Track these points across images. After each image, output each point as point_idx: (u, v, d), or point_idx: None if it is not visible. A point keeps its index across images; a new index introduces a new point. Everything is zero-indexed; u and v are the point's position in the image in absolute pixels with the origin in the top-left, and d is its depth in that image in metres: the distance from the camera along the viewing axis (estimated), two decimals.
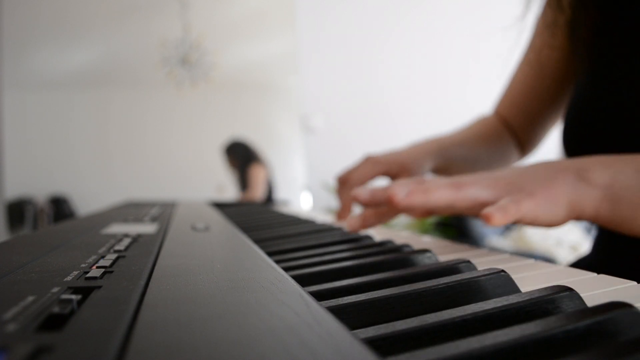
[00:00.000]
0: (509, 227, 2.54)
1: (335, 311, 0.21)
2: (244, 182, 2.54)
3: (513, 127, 0.70)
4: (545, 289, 0.22)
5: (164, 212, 0.63)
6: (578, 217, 0.37)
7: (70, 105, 3.04)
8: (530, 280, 0.27)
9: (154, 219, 0.52)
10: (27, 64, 2.97)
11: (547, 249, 2.34)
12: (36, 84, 3.00)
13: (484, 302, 0.20)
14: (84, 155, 3.06)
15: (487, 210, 0.33)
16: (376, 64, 3.22)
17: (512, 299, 0.20)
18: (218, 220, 0.53)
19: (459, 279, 0.24)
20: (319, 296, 0.24)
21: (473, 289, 0.24)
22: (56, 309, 0.17)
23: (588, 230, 2.47)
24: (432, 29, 3.18)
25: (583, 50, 0.51)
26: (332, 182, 2.87)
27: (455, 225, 2.47)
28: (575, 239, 2.38)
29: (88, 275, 0.22)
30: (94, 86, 3.08)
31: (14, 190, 2.81)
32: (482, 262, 0.32)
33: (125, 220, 0.51)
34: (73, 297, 0.18)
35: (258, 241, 0.43)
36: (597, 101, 0.47)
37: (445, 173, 0.67)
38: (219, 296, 0.19)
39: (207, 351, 0.13)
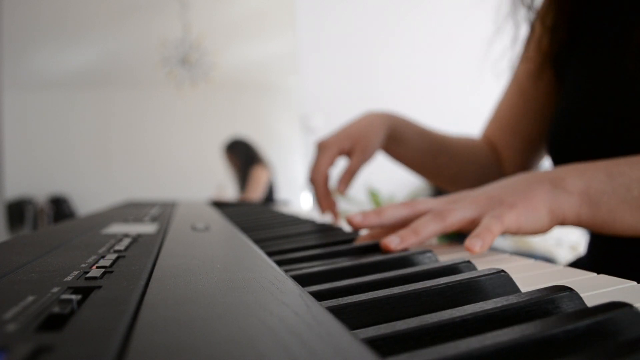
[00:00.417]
0: None
1: (335, 311, 0.21)
2: (244, 182, 2.53)
3: (499, 148, 0.71)
4: (545, 289, 0.22)
5: (164, 212, 0.63)
6: (562, 223, 0.39)
7: (70, 105, 3.04)
8: (530, 280, 0.27)
9: (154, 219, 0.52)
10: (27, 64, 2.97)
11: (547, 249, 2.34)
12: (36, 84, 3.00)
13: (484, 302, 0.20)
14: (84, 155, 3.05)
15: (470, 242, 0.35)
16: (376, 64, 3.22)
17: (512, 299, 0.20)
18: (218, 220, 0.53)
19: (459, 279, 0.24)
20: (319, 296, 0.24)
21: (473, 289, 0.24)
22: (56, 309, 0.17)
23: (587, 230, 2.46)
24: (432, 29, 3.18)
25: (557, 70, 0.56)
26: (332, 182, 2.87)
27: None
28: (575, 239, 2.38)
29: (88, 275, 0.22)
30: (94, 86, 3.07)
31: (14, 190, 2.81)
32: (482, 262, 0.32)
33: (125, 220, 0.51)
34: (73, 297, 0.18)
35: (258, 241, 0.43)
36: (576, 113, 0.50)
37: (396, 147, 0.67)
38: (219, 296, 0.19)
39: (207, 351, 0.13)
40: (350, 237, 0.44)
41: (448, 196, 0.43)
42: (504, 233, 0.38)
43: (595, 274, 0.27)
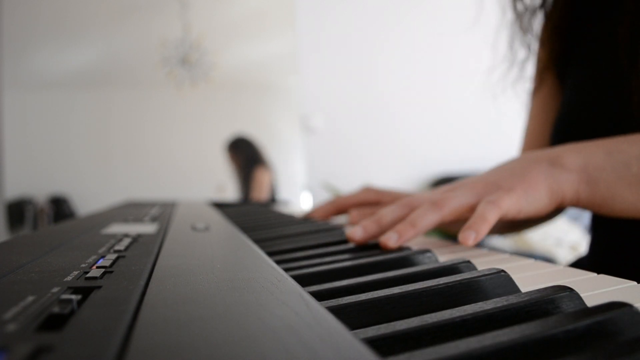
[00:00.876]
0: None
1: (335, 311, 0.21)
2: (246, 182, 2.53)
3: None
4: (545, 289, 0.22)
5: (164, 212, 0.63)
6: (561, 202, 0.39)
7: (70, 105, 3.04)
8: (530, 280, 0.27)
9: (154, 219, 0.52)
10: (27, 64, 2.97)
11: (547, 249, 2.34)
12: (36, 84, 2.99)
13: (484, 302, 0.20)
14: (84, 155, 3.05)
15: (463, 235, 0.34)
16: (376, 64, 3.22)
17: (512, 299, 0.20)
18: (218, 220, 0.53)
19: (459, 279, 0.24)
20: (319, 296, 0.24)
21: (473, 289, 0.24)
22: (56, 309, 0.17)
23: (588, 230, 2.47)
24: (432, 29, 3.18)
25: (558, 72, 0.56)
26: (332, 182, 2.87)
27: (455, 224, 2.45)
28: (575, 239, 2.38)
29: (88, 275, 0.22)
30: (94, 86, 3.07)
31: (14, 190, 2.81)
32: (482, 262, 0.32)
33: (125, 220, 0.51)
34: (73, 297, 0.18)
35: (258, 241, 0.43)
36: (576, 117, 0.51)
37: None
38: (219, 296, 0.19)
39: (207, 351, 0.13)
40: None
41: (444, 186, 0.42)
42: (505, 218, 0.37)
43: (595, 274, 0.27)
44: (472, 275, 0.24)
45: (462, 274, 0.25)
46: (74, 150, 3.09)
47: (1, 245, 0.32)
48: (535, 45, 0.61)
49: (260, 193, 2.46)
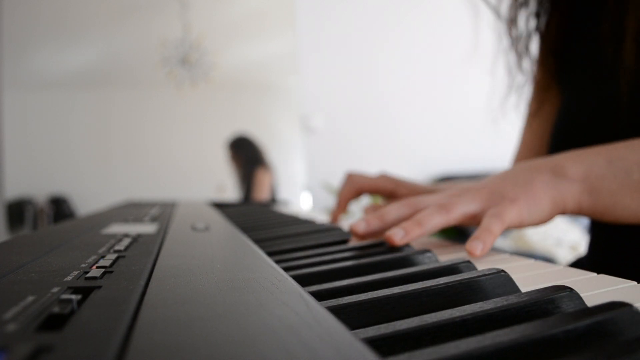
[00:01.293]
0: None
1: (335, 311, 0.21)
2: (247, 182, 2.53)
3: None
4: (545, 289, 0.22)
5: (164, 212, 0.63)
6: (562, 212, 0.39)
7: (70, 105, 3.04)
8: (530, 280, 0.27)
9: (154, 219, 0.52)
10: (27, 64, 2.97)
11: (547, 249, 2.34)
12: (36, 84, 2.99)
13: (484, 302, 0.20)
14: (84, 155, 3.05)
15: (471, 245, 0.34)
16: (376, 64, 3.22)
17: (512, 299, 0.20)
18: (218, 220, 0.53)
19: (459, 279, 0.24)
20: (319, 296, 0.24)
21: (473, 289, 0.24)
22: (56, 309, 0.17)
23: (587, 230, 2.47)
24: (432, 29, 3.18)
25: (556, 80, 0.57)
26: (332, 182, 2.87)
27: (455, 226, 2.45)
28: (575, 239, 2.38)
29: (88, 275, 0.22)
30: (94, 86, 3.07)
31: (14, 190, 2.81)
32: (482, 262, 0.32)
33: (125, 220, 0.51)
34: (73, 297, 0.18)
35: (258, 241, 0.43)
36: (575, 119, 0.51)
37: None
38: (219, 296, 0.19)
39: (207, 351, 0.13)
40: (350, 237, 0.44)
41: (448, 190, 0.42)
42: (507, 228, 0.38)
43: (595, 274, 0.27)
44: (472, 275, 0.24)
45: (462, 274, 0.25)
46: (74, 150, 3.10)
47: (1, 245, 0.32)
48: (533, 68, 0.62)
49: (261, 193, 2.46)
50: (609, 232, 0.51)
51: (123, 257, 0.28)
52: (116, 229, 0.42)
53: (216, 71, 3.20)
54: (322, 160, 3.20)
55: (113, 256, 0.27)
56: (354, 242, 0.42)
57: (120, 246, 0.31)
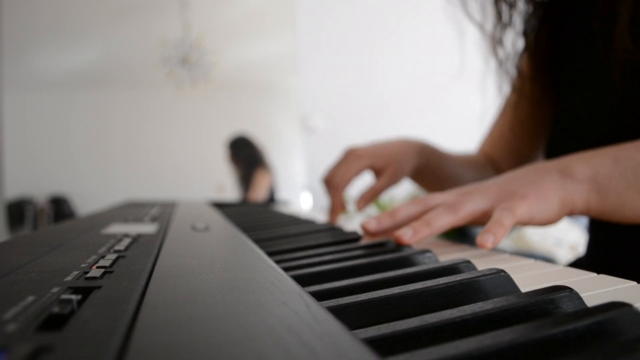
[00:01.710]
0: None
1: (335, 311, 0.21)
2: (246, 182, 2.53)
3: (497, 162, 0.72)
4: (545, 289, 0.22)
5: (164, 212, 0.63)
6: (571, 212, 0.39)
7: (70, 105, 3.04)
8: (530, 280, 0.27)
9: (154, 219, 0.52)
10: (27, 64, 2.97)
11: (547, 249, 2.34)
12: (36, 84, 2.99)
13: (484, 302, 0.20)
14: (84, 155, 3.05)
15: (482, 238, 0.35)
16: (376, 64, 3.22)
17: (512, 299, 0.20)
18: (218, 220, 0.53)
19: (459, 279, 0.24)
20: (319, 296, 0.24)
21: (473, 289, 0.24)
22: (56, 309, 0.17)
23: (587, 230, 2.47)
24: (432, 28, 3.18)
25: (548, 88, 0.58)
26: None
27: (464, 225, 2.44)
28: (575, 239, 2.38)
29: (88, 275, 0.22)
30: (94, 86, 3.07)
31: (14, 190, 2.81)
32: (482, 262, 0.32)
33: (125, 220, 0.51)
34: (73, 297, 0.18)
35: (258, 241, 0.43)
36: (571, 132, 0.52)
37: (424, 178, 0.68)
38: (219, 296, 0.19)
39: (207, 351, 0.13)
40: (351, 237, 0.44)
41: (459, 189, 0.42)
42: (517, 224, 0.38)
43: (595, 274, 0.27)
44: (472, 275, 0.24)
45: (462, 274, 0.25)
46: (74, 150, 3.10)
47: (1, 245, 0.32)
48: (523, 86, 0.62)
49: (258, 194, 2.47)
50: (607, 232, 0.51)
51: (123, 257, 0.28)
52: (116, 229, 0.42)
53: (216, 71, 3.20)
54: (322, 160, 3.20)
55: (113, 256, 0.27)
56: (365, 241, 0.42)
57: (120, 246, 0.31)
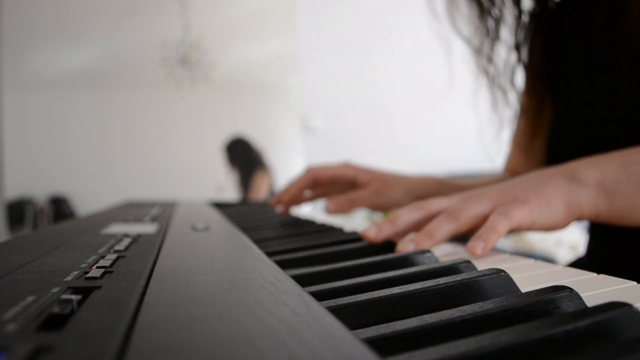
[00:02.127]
0: None
1: (335, 311, 0.21)
2: (245, 184, 2.53)
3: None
4: (545, 289, 0.22)
5: (164, 212, 0.63)
6: (579, 217, 0.39)
7: (70, 105, 3.04)
8: (530, 280, 0.27)
9: (154, 219, 0.52)
10: (27, 64, 2.97)
11: (547, 249, 2.34)
12: (36, 84, 2.99)
13: (484, 302, 0.20)
14: (84, 155, 3.05)
15: (471, 245, 0.34)
16: (376, 64, 3.22)
17: (512, 299, 0.20)
18: (218, 220, 0.53)
19: (459, 279, 0.24)
20: (319, 296, 0.24)
21: (473, 289, 0.24)
22: (56, 309, 0.17)
23: (587, 230, 2.47)
24: (432, 29, 3.18)
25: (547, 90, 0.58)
26: None
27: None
28: (575, 239, 2.38)
29: (88, 275, 0.22)
30: (94, 86, 3.07)
31: (14, 190, 2.81)
32: (482, 262, 0.32)
33: (125, 220, 0.51)
34: (73, 297, 0.18)
35: (258, 241, 0.43)
36: (571, 127, 0.52)
37: None
38: (218, 296, 0.19)
39: (207, 351, 0.13)
40: (350, 237, 0.44)
41: (460, 194, 0.42)
42: (518, 230, 0.37)
43: (595, 274, 0.27)
44: (472, 275, 0.24)
45: (462, 274, 0.25)
46: (74, 150, 3.09)
47: (1, 245, 0.32)
48: (519, 99, 0.62)
49: (258, 196, 2.47)
50: (607, 232, 0.51)
51: (123, 257, 0.28)
52: (116, 229, 0.42)
53: (216, 71, 3.20)
54: (322, 160, 3.19)
55: (113, 256, 0.27)
56: (362, 242, 0.42)
57: (120, 246, 0.31)
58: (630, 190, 0.37)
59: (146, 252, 0.29)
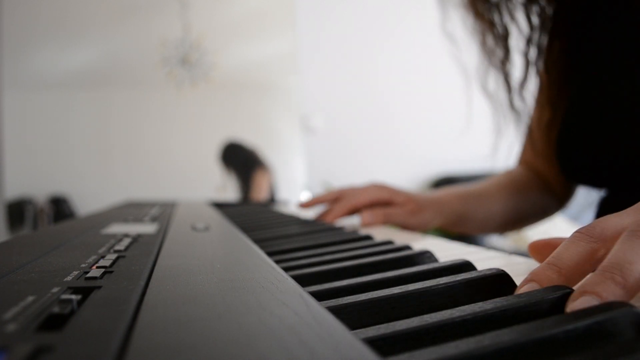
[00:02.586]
0: None
1: (335, 311, 0.21)
2: (246, 186, 2.53)
3: (541, 172, 0.69)
4: (545, 289, 0.22)
5: (164, 212, 0.63)
6: None
7: (70, 105, 3.04)
8: None
9: (154, 219, 0.52)
10: (27, 64, 2.97)
11: None
12: (36, 84, 2.99)
13: (484, 302, 0.20)
14: (84, 155, 3.05)
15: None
16: (376, 64, 3.22)
17: (512, 299, 0.20)
18: (218, 220, 0.53)
19: (459, 279, 0.24)
20: (319, 296, 0.24)
21: (473, 289, 0.24)
22: (56, 309, 0.17)
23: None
24: (432, 29, 3.18)
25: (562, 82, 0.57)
26: (332, 182, 2.87)
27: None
28: None
29: (88, 275, 0.22)
30: (94, 86, 3.07)
31: (14, 190, 2.81)
32: (482, 262, 0.32)
33: (125, 220, 0.51)
34: (73, 297, 0.18)
35: (258, 241, 0.43)
36: (580, 122, 0.52)
37: (460, 227, 0.68)
38: (218, 296, 0.19)
39: (207, 351, 0.13)
40: (352, 237, 0.44)
41: (635, 210, 0.26)
42: None
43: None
44: (472, 275, 0.24)
45: (462, 274, 0.25)
46: (74, 150, 3.10)
47: (1, 245, 0.32)
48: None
49: (259, 194, 2.47)
50: None
51: (123, 257, 0.28)
52: (116, 229, 0.42)
53: (216, 71, 3.20)
54: (322, 160, 3.20)
55: (113, 256, 0.27)
56: (362, 242, 0.42)
57: (120, 246, 0.31)
58: None
59: (146, 252, 0.29)
